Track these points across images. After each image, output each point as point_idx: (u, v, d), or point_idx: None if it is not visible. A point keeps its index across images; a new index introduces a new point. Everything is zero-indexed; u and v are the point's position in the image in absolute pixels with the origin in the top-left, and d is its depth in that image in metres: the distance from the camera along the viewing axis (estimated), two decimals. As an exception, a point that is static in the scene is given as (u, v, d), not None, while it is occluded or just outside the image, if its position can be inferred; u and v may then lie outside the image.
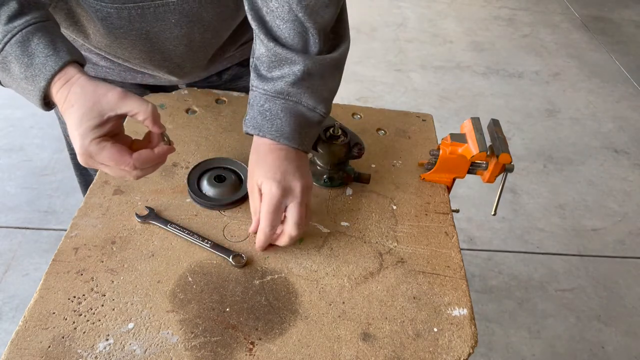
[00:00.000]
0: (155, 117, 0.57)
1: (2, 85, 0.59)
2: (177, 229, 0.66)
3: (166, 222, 0.67)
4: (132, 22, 0.70)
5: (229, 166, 0.75)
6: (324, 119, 0.68)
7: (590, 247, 1.98)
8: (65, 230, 0.65)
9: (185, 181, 0.72)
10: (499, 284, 1.81)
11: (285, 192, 0.62)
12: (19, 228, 1.76)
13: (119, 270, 0.61)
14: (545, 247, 1.96)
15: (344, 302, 0.62)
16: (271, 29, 0.65)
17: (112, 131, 0.57)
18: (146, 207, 0.69)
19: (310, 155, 0.76)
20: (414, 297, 0.63)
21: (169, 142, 0.61)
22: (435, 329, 0.60)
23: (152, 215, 0.68)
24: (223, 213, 0.70)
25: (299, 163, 0.64)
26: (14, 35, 0.55)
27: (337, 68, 0.69)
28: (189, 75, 0.85)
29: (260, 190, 0.63)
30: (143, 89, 0.89)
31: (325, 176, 0.74)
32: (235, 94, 0.90)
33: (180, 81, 0.87)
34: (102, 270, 0.61)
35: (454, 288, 0.65)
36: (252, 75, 0.67)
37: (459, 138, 0.76)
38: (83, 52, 0.80)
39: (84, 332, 0.55)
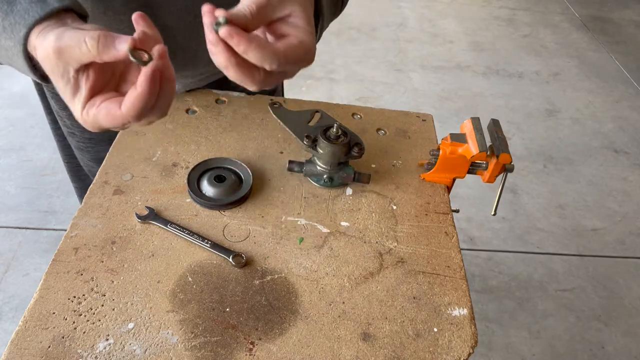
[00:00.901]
0: (105, 44, 0.42)
1: None
2: (177, 229, 0.66)
3: (166, 222, 0.67)
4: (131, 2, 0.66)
5: (229, 166, 0.75)
6: None
7: (590, 247, 1.98)
8: (65, 230, 0.65)
9: (185, 181, 0.72)
10: (499, 284, 1.81)
11: (312, 54, 0.50)
12: (19, 228, 1.76)
13: (119, 270, 0.61)
14: (545, 247, 1.96)
15: (344, 302, 0.62)
16: None
17: (101, 82, 0.46)
18: (146, 207, 0.69)
19: (310, 155, 0.76)
20: (414, 297, 0.63)
21: (150, 58, 0.43)
22: (435, 329, 0.60)
23: (152, 215, 0.68)
24: (223, 213, 0.70)
25: None
26: None
27: None
28: (198, 64, 0.81)
29: (286, 10, 0.48)
30: None
31: (325, 176, 0.74)
32: (235, 94, 0.90)
33: (190, 75, 0.84)
34: (102, 270, 0.61)
35: (454, 288, 0.65)
36: None
37: (459, 138, 0.76)
38: None
39: (84, 332, 0.55)
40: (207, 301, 0.60)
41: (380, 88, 2.69)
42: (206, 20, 0.46)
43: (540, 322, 1.71)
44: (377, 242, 0.69)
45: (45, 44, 0.43)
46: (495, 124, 0.78)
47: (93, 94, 0.45)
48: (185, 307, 0.59)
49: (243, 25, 0.45)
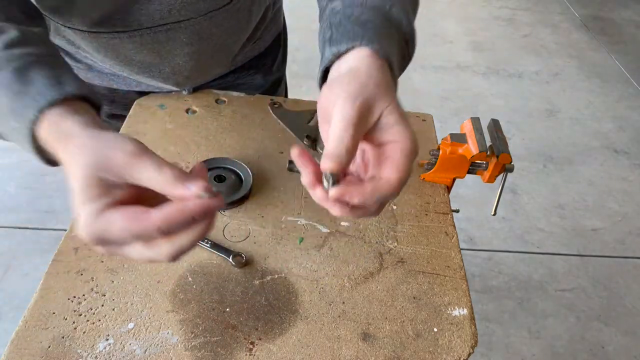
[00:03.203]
0: (174, 184, 0.40)
1: None
2: (177, 229, 0.66)
3: (166, 222, 0.67)
4: (143, 44, 0.70)
5: (229, 166, 0.75)
6: (407, 36, 0.54)
7: (590, 247, 1.98)
8: (65, 230, 0.65)
9: (185, 181, 0.72)
10: (499, 284, 1.81)
11: (417, 151, 0.44)
12: (19, 228, 1.76)
13: (119, 270, 0.61)
14: (545, 247, 1.96)
15: (344, 302, 0.62)
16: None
17: (126, 199, 0.40)
18: (146, 207, 0.68)
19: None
20: (414, 297, 0.63)
21: (214, 195, 0.41)
22: (435, 329, 0.60)
23: (152, 215, 0.68)
24: (223, 213, 0.70)
25: None
26: (9, 62, 0.46)
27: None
28: (194, 83, 0.85)
29: (380, 120, 0.43)
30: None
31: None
32: (235, 94, 0.90)
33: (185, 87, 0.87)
34: (102, 270, 0.61)
35: (454, 288, 0.65)
36: (327, 13, 0.54)
37: (459, 138, 0.76)
38: (84, 62, 0.79)
39: (84, 332, 0.55)
40: (207, 301, 0.60)
41: (380, 88, 2.69)
42: (305, 176, 0.43)
43: (540, 322, 1.71)
44: (377, 242, 0.69)
45: (121, 151, 0.40)
46: (495, 124, 0.78)
47: (121, 203, 0.40)
48: (185, 307, 0.59)
49: (347, 166, 0.42)
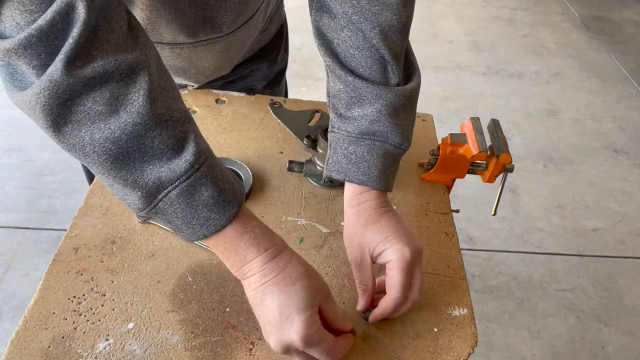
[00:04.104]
0: (340, 320, 0.54)
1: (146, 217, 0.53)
2: (177, 229, 0.66)
3: (166, 222, 0.67)
4: (180, 55, 0.72)
5: (229, 166, 0.75)
6: (404, 153, 0.63)
7: (590, 247, 1.98)
8: (65, 230, 0.65)
9: (185, 181, 0.72)
10: (499, 284, 1.81)
11: (414, 254, 0.56)
12: (19, 228, 1.76)
13: (119, 270, 0.61)
14: (545, 247, 1.96)
15: (344, 302, 0.62)
16: (346, 60, 0.60)
17: None
18: (146, 207, 0.69)
19: (310, 155, 0.76)
20: (414, 297, 0.63)
21: (354, 333, 0.56)
22: (435, 329, 0.60)
23: (152, 215, 0.68)
24: (223, 213, 0.70)
25: (398, 216, 0.61)
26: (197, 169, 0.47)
27: (416, 99, 0.64)
28: (212, 78, 0.87)
29: (373, 257, 0.58)
30: None
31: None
32: (235, 94, 0.90)
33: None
34: (102, 270, 0.61)
35: (454, 288, 0.65)
36: (332, 115, 0.62)
37: (459, 138, 0.76)
38: None
39: (84, 332, 0.55)
40: (207, 301, 0.60)
41: (380, 88, 2.69)
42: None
43: (540, 322, 1.71)
44: (377, 242, 0.69)
45: (324, 282, 0.53)
46: (495, 124, 0.78)
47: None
48: (185, 307, 0.59)
49: (374, 297, 0.59)
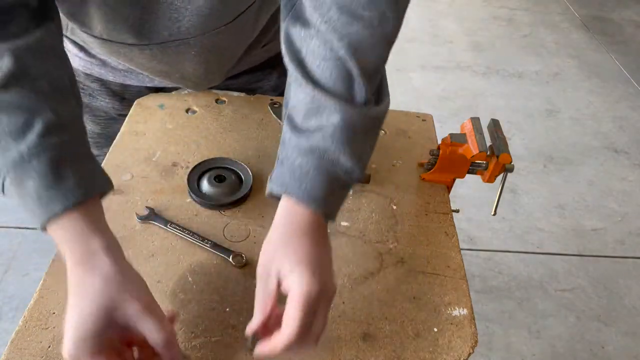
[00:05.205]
0: (168, 346, 0.48)
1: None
2: (177, 229, 0.66)
3: (166, 222, 0.67)
4: (153, 57, 0.71)
5: (229, 166, 0.75)
6: (354, 184, 0.57)
7: (590, 247, 1.98)
8: (65, 230, 0.65)
9: (185, 181, 0.72)
10: (499, 284, 1.81)
11: (322, 292, 0.49)
12: (19, 228, 1.76)
13: (119, 270, 0.61)
14: (545, 247, 1.96)
15: (344, 302, 0.62)
16: (311, 69, 0.56)
17: (111, 342, 0.47)
18: (146, 207, 0.69)
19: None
20: (414, 297, 0.63)
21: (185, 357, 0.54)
22: (435, 329, 0.60)
23: (152, 215, 0.68)
24: (223, 213, 0.70)
25: (330, 251, 0.55)
26: (46, 151, 0.49)
27: (379, 125, 0.58)
28: (205, 86, 0.86)
29: (280, 279, 0.50)
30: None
31: (325, 176, 0.74)
32: (235, 94, 0.90)
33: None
34: (102, 270, 0.61)
35: (454, 288, 0.65)
36: (285, 127, 0.57)
37: (459, 138, 0.76)
38: (98, 58, 0.81)
39: (84, 332, 0.55)
40: (207, 301, 0.60)
41: (380, 88, 2.69)
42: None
43: (540, 322, 1.71)
44: (377, 242, 0.69)
45: (135, 301, 0.47)
46: (495, 124, 0.78)
47: (109, 340, 0.47)
48: (185, 307, 0.59)
49: (265, 324, 0.51)
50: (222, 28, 0.69)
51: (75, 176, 0.50)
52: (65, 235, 0.49)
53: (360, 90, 0.54)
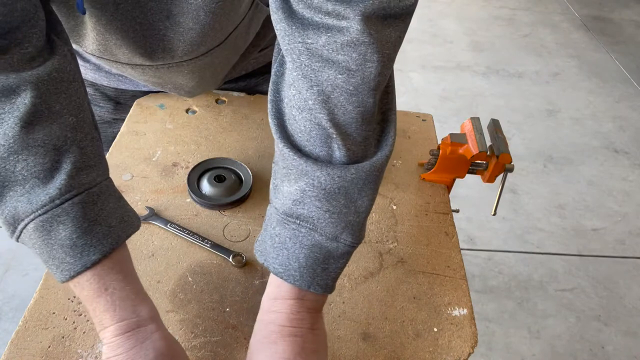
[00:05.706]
0: None
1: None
2: (177, 229, 0.66)
3: (166, 222, 0.67)
4: (145, 74, 0.71)
5: (229, 166, 0.75)
6: (353, 250, 0.51)
7: (590, 247, 1.98)
8: (65, 230, 0.65)
9: (185, 181, 0.72)
10: (499, 284, 1.81)
11: None
12: (19, 228, 1.76)
13: (119, 270, 0.61)
14: (545, 247, 1.96)
15: (344, 302, 0.62)
16: (288, 123, 0.51)
17: None
18: (146, 207, 0.69)
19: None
20: (414, 297, 0.63)
21: None
22: (435, 329, 0.60)
23: (152, 215, 0.68)
24: (223, 213, 0.70)
25: (320, 347, 0.50)
26: (79, 193, 0.45)
27: (373, 181, 0.50)
28: (200, 93, 0.87)
29: None
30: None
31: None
32: (235, 94, 0.90)
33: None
34: (102, 270, 0.61)
35: (454, 288, 0.65)
36: (270, 185, 0.54)
37: (459, 138, 0.76)
38: (93, 63, 0.81)
39: (84, 332, 0.55)
40: (207, 301, 0.60)
41: (380, 88, 2.69)
42: None
43: (540, 322, 1.71)
44: (377, 242, 0.69)
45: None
46: (495, 124, 0.78)
47: None
48: (185, 307, 0.59)
49: None
50: (215, 49, 0.68)
51: (110, 218, 0.47)
52: (101, 298, 0.46)
53: (338, 147, 0.48)
